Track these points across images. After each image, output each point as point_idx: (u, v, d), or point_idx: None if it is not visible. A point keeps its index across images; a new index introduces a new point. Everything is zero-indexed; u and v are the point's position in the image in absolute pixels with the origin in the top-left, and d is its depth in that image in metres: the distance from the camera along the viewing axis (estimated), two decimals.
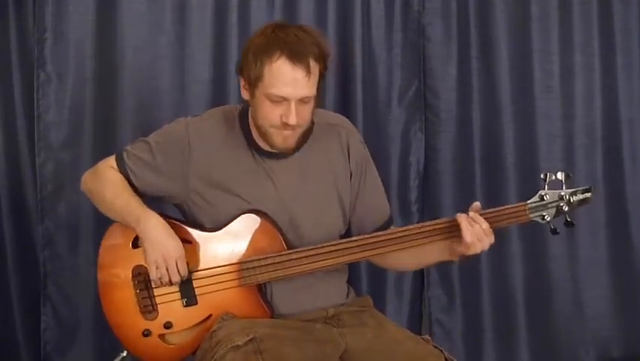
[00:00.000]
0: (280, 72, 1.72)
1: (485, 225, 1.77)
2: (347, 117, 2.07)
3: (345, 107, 2.79)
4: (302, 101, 1.75)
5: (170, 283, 1.84)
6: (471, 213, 1.79)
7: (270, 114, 1.78)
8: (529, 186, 2.81)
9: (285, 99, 1.74)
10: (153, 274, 1.83)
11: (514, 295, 2.95)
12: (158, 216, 1.84)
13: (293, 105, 1.75)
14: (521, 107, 2.93)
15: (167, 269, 1.81)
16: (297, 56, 1.71)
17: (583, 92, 2.96)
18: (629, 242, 3.01)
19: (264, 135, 1.83)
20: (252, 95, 1.80)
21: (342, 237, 1.94)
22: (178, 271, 1.82)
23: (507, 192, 2.91)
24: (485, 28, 2.91)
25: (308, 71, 1.72)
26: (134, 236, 1.88)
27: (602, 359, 3.01)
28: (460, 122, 2.92)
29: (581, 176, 2.90)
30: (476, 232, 1.76)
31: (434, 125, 2.92)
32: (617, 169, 3.00)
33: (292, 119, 1.75)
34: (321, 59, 1.77)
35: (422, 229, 1.84)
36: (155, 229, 1.82)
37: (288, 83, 1.73)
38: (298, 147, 1.87)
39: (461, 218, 1.78)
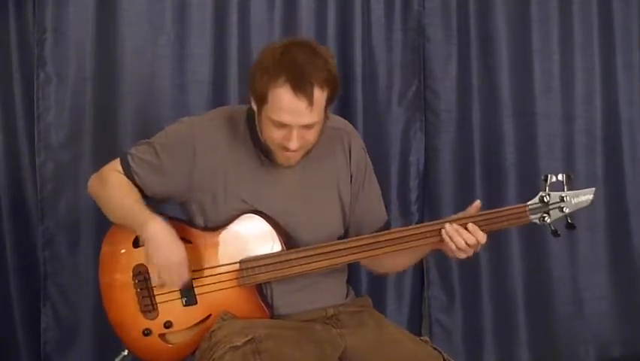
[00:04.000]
0: (282, 100, 1.69)
1: (471, 239, 1.77)
2: (347, 117, 2.07)
3: (345, 107, 2.78)
4: (305, 127, 1.73)
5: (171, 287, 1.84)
6: (455, 226, 1.79)
7: (272, 135, 1.76)
8: (529, 186, 2.81)
9: (286, 125, 1.73)
10: (155, 280, 1.83)
11: (514, 295, 2.95)
12: (162, 220, 1.82)
13: (294, 131, 1.72)
14: (521, 107, 2.93)
15: (168, 274, 1.81)
16: (300, 86, 1.66)
17: (583, 92, 2.96)
18: (628, 242, 3.01)
19: (269, 148, 1.82)
20: (258, 111, 1.78)
21: (339, 239, 1.93)
22: (180, 277, 1.82)
23: (507, 192, 2.91)
24: (485, 29, 2.90)
25: (311, 102, 1.68)
26: (134, 235, 1.88)
27: (602, 359, 3.01)
28: (460, 122, 2.92)
29: (581, 176, 2.90)
30: (459, 245, 1.78)
31: (434, 125, 2.92)
32: (617, 169, 2.99)
33: (292, 145, 1.74)
34: (329, 84, 1.71)
35: (420, 230, 1.84)
36: (159, 233, 1.80)
37: (289, 112, 1.69)
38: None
39: (444, 232, 1.79)
